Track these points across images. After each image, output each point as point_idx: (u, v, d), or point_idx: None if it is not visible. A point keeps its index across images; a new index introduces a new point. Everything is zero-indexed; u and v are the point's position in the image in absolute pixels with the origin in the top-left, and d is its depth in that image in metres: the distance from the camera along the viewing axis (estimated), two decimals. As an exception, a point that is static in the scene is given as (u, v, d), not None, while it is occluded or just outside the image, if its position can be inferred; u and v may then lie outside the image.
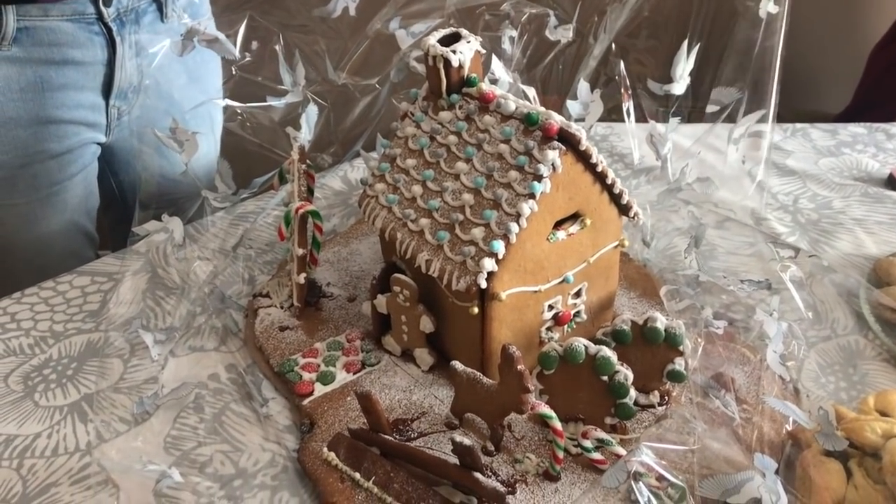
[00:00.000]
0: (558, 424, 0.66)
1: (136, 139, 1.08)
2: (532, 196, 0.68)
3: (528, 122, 0.70)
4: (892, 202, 1.06)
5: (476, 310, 0.72)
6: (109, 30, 0.99)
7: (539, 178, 0.68)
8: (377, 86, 0.97)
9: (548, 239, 0.72)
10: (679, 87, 0.92)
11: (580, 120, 0.96)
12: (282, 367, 0.80)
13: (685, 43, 0.90)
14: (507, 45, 0.95)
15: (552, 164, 0.68)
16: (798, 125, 1.24)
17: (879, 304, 0.85)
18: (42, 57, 0.97)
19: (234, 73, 0.91)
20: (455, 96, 0.77)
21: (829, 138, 1.21)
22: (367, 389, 0.68)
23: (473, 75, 0.76)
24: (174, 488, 0.68)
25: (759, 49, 0.85)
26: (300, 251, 0.81)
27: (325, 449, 0.70)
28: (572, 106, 0.94)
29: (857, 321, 0.87)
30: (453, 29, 0.77)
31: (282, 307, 0.86)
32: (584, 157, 0.70)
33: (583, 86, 0.93)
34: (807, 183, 1.10)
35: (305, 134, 0.94)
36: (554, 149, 0.68)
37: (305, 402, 0.76)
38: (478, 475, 0.64)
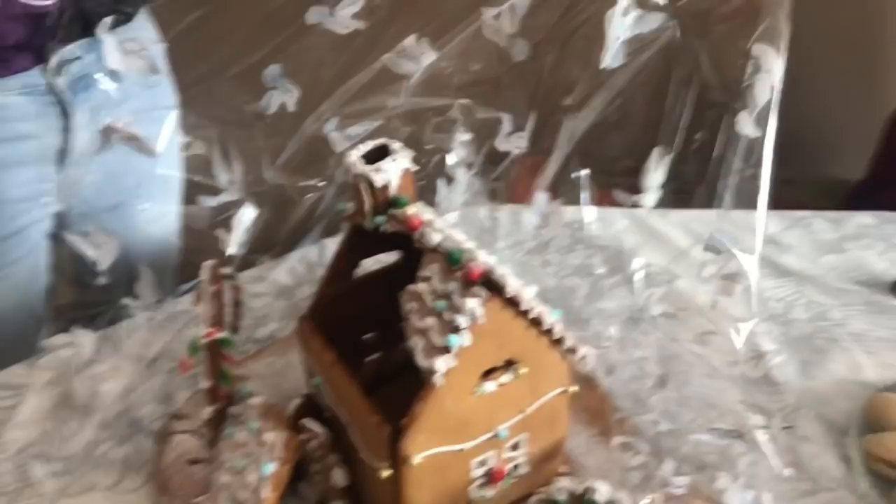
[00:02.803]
0: None
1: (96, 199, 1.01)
2: (448, 350, 0.59)
3: (450, 260, 0.61)
4: (898, 314, 0.95)
5: (386, 473, 0.62)
6: (62, 100, 0.93)
7: (456, 329, 0.59)
8: (319, 185, 0.88)
9: (473, 392, 0.62)
10: (650, 198, 0.82)
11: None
12: (185, 514, 0.71)
13: (655, 150, 0.80)
14: (460, 151, 0.86)
15: (472, 315, 0.59)
16: (799, 214, 1.13)
17: (870, 453, 0.74)
18: None
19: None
20: (380, 218, 0.67)
21: (833, 230, 1.10)
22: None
23: (403, 196, 0.67)
24: None
25: (741, 172, 0.75)
26: (206, 383, 0.72)
27: None
28: (530, 218, 0.84)
29: (847, 471, 0.76)
30: (382, 141, 0.69)
31: (197, 434, 0.77)
32: (513, 303, 0.60)
33: (540, 197, 0.84)
34: (803, 287, 0.99)
35: (237, 236, 0.86)
36: (475, 296, 0.59)
37: (200, 562, 0.67)
38: None
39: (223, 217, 0.87)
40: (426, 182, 0.90)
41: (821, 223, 1.11)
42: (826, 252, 1.05)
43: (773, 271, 1.01)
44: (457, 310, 0.59)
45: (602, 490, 0.62)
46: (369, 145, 0.68)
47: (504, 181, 0.99)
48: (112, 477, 0.75)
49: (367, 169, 0.65)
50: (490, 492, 0.68)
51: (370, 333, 0.79)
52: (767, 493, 0.68)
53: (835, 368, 0.88)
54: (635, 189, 0.85)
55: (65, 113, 0.95)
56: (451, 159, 0.88)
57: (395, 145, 0.68)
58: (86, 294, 0.86)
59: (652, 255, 1.00)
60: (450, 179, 0.88)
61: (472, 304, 0.58)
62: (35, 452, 0.76)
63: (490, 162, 0.88)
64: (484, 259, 0.60)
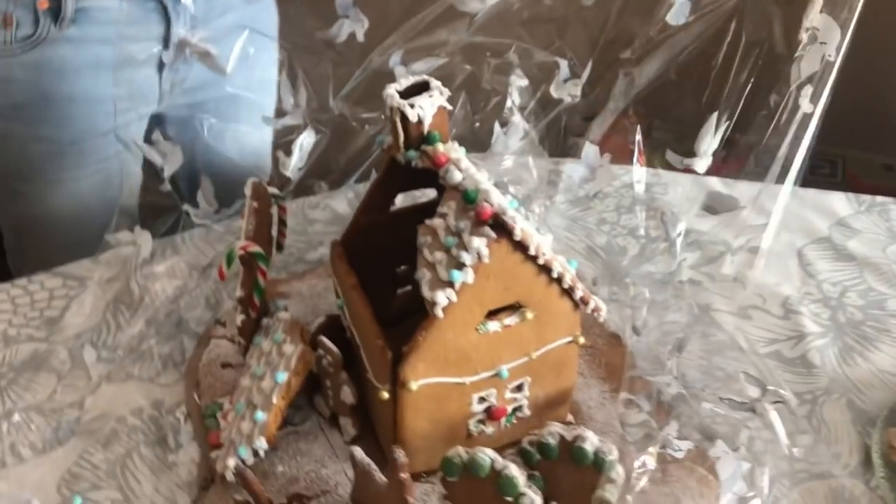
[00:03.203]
0: (435, 547, 0.59)
1: (189, 109, 1.10)
2: (450, 285, 0.61)
3: (466, 199, 0.63)
4: (962, 312, 0.90)
5: (386, 395, 0.65)
6: (164, 6, 1.00)
7: (460, 266, 0.61)
8: (380, 118, 0.91)
9: (477, 329, 0.64)
10: (702, 164, 0.81)
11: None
12: (206, 410, 0.76)
13: (714, 116, 0.79)
14: (515, 97, 0.87)
15: (477, 253, 0.60)
16: (879, 199, 1.08)
17: (891, 445, 0.72)
18: (99, 36, 0.98)
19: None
20: (412, 152, 0.69)
21: (914, 219, 1.04)
22: (243, 467, 0.63)
23: (435, 132, 0.69)
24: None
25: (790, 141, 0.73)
26: (239, 292, 0.76)
27: (210, 515, 0.66)
28: (576, 169, 0.84)
29: (863, 461, 0.74)
30: (424, 78, 0.70)
31: (233, 340, 0.82)
32: (522, 247, 0.62)
33: (590, 149, 0.84)
34: (864, 273, 0.95)
35: (296, 161, 0.90)
36: (482, 236, 0.60)
37: (214, 454, 0.72)
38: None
39: (285, 140, 0.91)
40: (481, 125, 0.91)
41: (900, 211, 1.06)
42: (898, 241, 1.01)
43: (834, 254, 0.98)
44: (464, 247, 0.61)
45: (591, 439, 0.63)
46: (410, 80, 0.70)
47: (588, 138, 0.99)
48: (152, 370, 0.81)
49: (401, 103, 0.67)
50: (490, 429, 0.70)
51: (404, 266, 0.81)
52: (767, 467, 0.67)
53: (878, 359, 0.85)
54: (689, 153, 0.84)
55: (167, 20, 1.01)
56: (508, 103, 0.89)
57: (434, 83, 0.69)
58: (154, 198, 0.92)
59: (709, 224, 0.99)
60: (504, 124, 0.89)
61: (478, 243, 0.60)
62: (88, 339, 0.83)
63: (542, 108, 0.88)
64: (498, 201, 0.61)
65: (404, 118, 0.68)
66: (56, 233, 1.09)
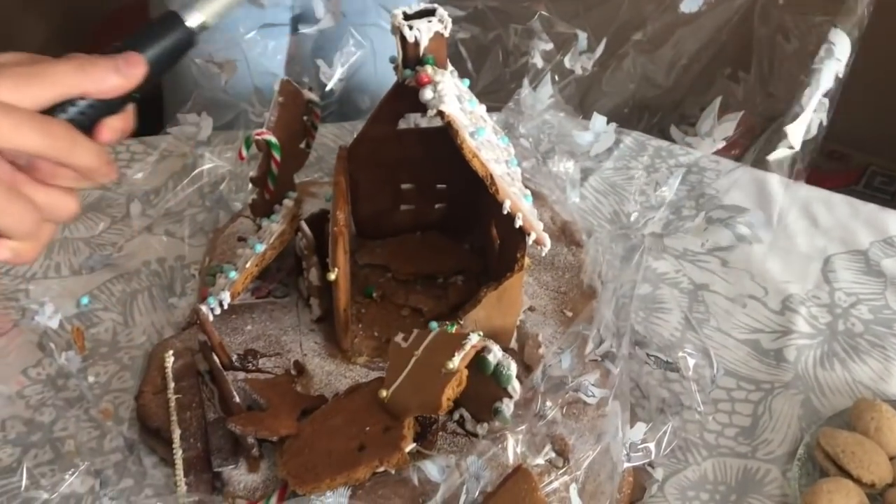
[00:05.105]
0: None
1: None
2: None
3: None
4: (978, 345, 0.86)
5: (333, 276, 0.73)
6: None
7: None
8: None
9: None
10: (704, 144, 0.83)
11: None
12: (209, 270, 0.87)
13: (718, 99, 0.80)
14: (537, 59, 0.91)
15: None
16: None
17: (818, 443, 0.72)
18: None
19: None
20: (408, 71, 0.76)
21: (972, 249, 0.99)
22: (204, 312, 0.73)
23: (430, 56, 0.75)
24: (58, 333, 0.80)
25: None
26: (254, 173, 0.86)
27: (170, 352, 0.77)
28: (582, 136, 0.88)
29: (791, 452, 0.74)
30: (434, 6, 0.76)
31: (255, 220, 0.93)
32: (464, 165, 0.67)
33: (597, 118, 0.87)
34: (887, 291, 0.92)
35: (337, 68, 0.98)
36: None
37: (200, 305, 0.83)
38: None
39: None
40: (510, 77, 0.97)
41: (962, 241, 1.00)
42: (944, 269, 0.96)
43: (864, 268, 0.95)
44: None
45: (495, 352, 0.68)
46: (420, 5, 0.76)
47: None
48: (185, 231, 0.93)
49: (402, 23, 0.74)
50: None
51: (408, 185, 0.89)
52: (670, 424, 0.69)
53: (859, 370, 0.83)
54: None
55: None
56: (532, 63, 0.94)
57: (441, 11, 0.75)
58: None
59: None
60: (532, 81, 0.94)
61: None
62: (141, 195, 0.96)
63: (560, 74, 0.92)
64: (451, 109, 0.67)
65: (403, 38, 0.75)
66: None
